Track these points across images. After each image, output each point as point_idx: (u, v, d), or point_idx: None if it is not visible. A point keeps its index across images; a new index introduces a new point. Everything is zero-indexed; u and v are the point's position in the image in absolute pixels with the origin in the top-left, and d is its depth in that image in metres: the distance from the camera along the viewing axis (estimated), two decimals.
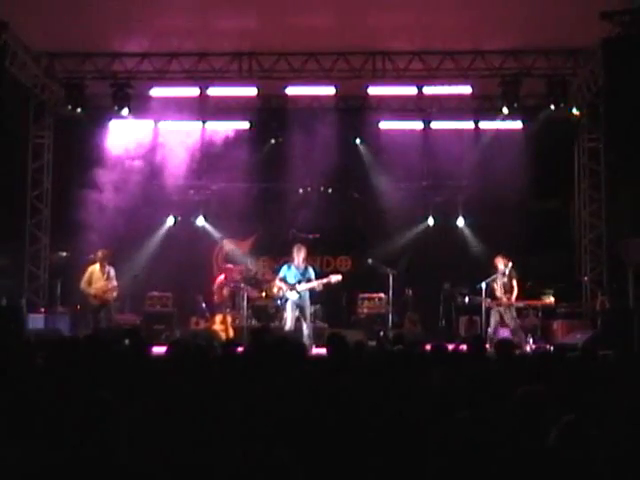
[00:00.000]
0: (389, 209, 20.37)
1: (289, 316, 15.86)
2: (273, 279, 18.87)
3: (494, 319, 16.15)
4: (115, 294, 16.34)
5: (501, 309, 16.15)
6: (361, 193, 20.59)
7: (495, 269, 16.43)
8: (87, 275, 16.16)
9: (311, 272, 16.10)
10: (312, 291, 16.32)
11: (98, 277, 16.11)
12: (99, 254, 16.26)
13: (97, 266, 16.18)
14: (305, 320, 15.91)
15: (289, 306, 15.88)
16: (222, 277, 18.89)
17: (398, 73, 17.74)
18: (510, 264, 16.31)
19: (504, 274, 16.27)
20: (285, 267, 16.23)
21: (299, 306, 15.88)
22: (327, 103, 19.69)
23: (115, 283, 16.26)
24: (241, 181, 20.39)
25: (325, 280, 16.26)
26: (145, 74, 18.00)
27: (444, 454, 4.52)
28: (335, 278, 16.39)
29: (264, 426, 4.49)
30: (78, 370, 7.24)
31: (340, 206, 20.68)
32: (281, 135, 20.21)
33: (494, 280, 16.38)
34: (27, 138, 19.41)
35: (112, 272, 16.28)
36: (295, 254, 16.07)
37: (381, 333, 16.99)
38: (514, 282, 16.25)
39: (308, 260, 16.37)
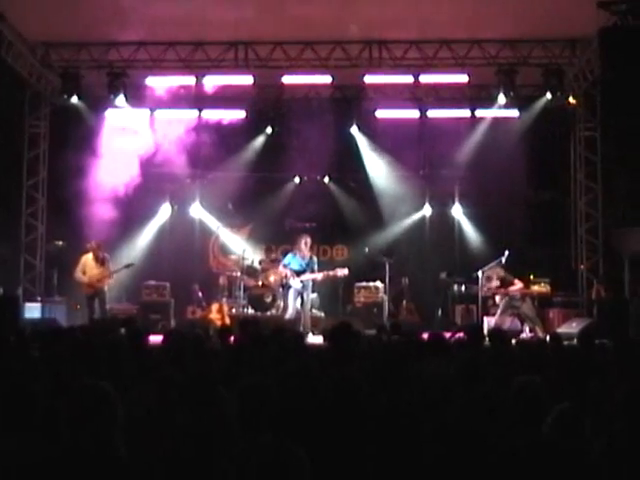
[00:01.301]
0: (385, 198, 20.40)
1: (291, 304, 15.99)
2: (269, 268, 19.01)
3: (501, 308, 16.15)
4: (110, 280, 16.42)
5: (515, 300, 16.16)
6: (357, 182, 20.57)
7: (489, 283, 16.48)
8: (80, 265, 16.27)
9: (315, 263, 16.22)
10: (313, 281, 16.43)
11: (92, 266, 16.23)
12: (92, 244, 16.37)
13: (90, 255, 16.28)
14: (304, 309, 16.00)
15: (291, 294, 16.01)
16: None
17: (394, 62, 17.72)
18: (500, 274, 16.33)
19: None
20: (290, 255, 16.40)
21: (300, 294, 15.98)
22: (323, 92, 19.67)
23: (111, 269, 16.35)
24: (237, 170, 20.39)
25: (332, 273, 16.41)
26: (141, 63, 17.97)
27: (441, 442, 4.53)
28: (342, 272, 16.53)
29: (262, 416, 4.49)
30: (74, 360, 7.25)
31: (336, 195, 20.69)
32: (277, 124, 20.19)
33: (490, 272, 16.42)
34: (23, 127, 19.39)
35: (107, 259, 16.42)
36: (302, 244, 16.15)
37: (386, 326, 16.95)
38: (515, 281, 16.24)
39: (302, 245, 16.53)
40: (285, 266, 16.23)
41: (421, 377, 6.03)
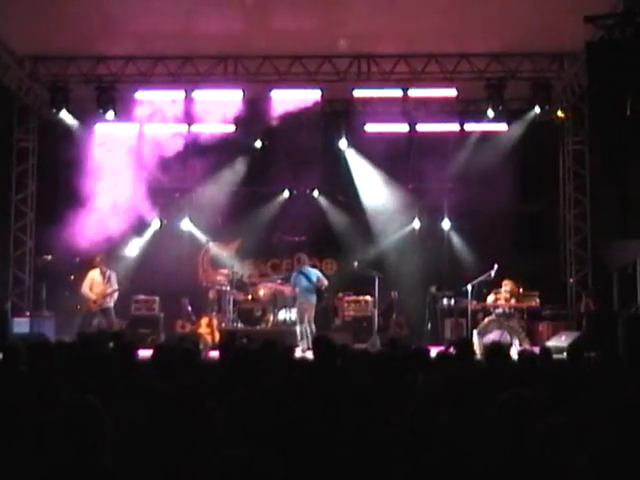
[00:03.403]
0: (375, 212, 20.43)
1: (305, 319, 16.63)
2: (259, 282, 19.07)
3: (487, 322, 16.16)
4: (115, 297, 16.49)
5: (501, 315, 16.19)
6: (347, 196, 20.61)
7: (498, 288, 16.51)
8: (88, 280, 16.37)
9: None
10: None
11: (98, 282, 16.36)
12: (97, 259, 16.48)
13: (97, 271, 16.36)
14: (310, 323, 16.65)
15: (301, 310, 16.78)
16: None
17: (383, 76, 17.75)
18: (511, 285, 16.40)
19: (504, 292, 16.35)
20: (297, 274, 17.13)
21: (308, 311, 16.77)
22: (312, 106, 19.66)
23: (116, 286, 16.46)
24: (226, 184, 20.40)
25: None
26: (130, 77, 17.95)
27: (427, 457, 4.52)
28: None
29: (250, 430, 4.48)
30: (63, 374, 7.22)
31: (325, 209, 20.72)
32: (266, 138, 20.19)
33: (484, 286, 16.45)
34: (11, 142, 19.35)
35: (113, 276, 16.57)
36: (306, 262, 17.20)
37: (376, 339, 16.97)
38: (512, 301, 16.29)
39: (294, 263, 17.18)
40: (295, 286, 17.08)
41: (408, 392, 6.03)
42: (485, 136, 19.62)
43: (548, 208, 20.57)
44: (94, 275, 16.41)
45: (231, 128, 19.72)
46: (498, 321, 16.07)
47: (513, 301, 16.25)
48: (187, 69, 17.78)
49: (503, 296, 16.24)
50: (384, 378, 6.59)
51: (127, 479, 4.12)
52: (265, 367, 7.64)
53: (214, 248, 20.84)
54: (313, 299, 16.68)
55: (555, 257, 20.28)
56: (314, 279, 16.74)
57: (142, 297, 18.97)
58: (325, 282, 16.92)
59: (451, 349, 9.59)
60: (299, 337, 16.35)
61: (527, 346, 15.40)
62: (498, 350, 8.76)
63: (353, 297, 19.32)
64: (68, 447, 3.98)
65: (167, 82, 18.08)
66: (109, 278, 16.44)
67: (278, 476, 3.01)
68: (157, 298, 18.99)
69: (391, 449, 4.76)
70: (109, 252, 18.22)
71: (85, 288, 16.37)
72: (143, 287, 19.04)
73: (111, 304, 16.47)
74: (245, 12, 15.67)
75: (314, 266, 17.95)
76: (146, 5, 15.45)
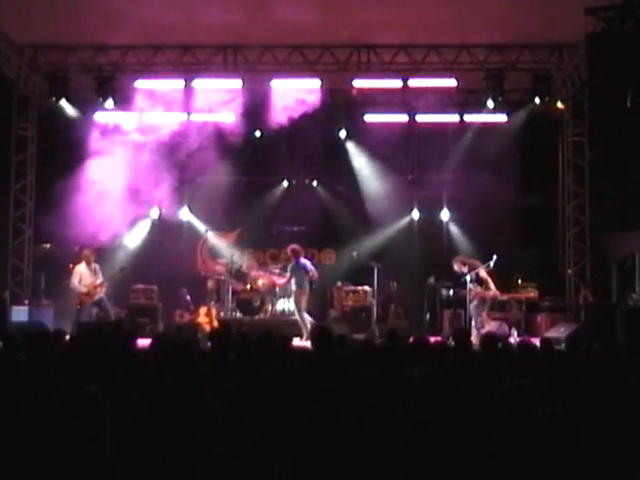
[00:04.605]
0: (374, 202, 20.43)
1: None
2: (257, 272, 19.04)
3: (474, 312, 16.22)
4: (104, 289, 16.43)
5: (475, 302, 16.27)
6: (346, 186, 20.60)
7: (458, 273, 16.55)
8: (76, 274, 16.25)
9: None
10: None
11: (86, 275, 16.24)
12: (85, 252, 16.41)
13: (83, 265, 16.29)
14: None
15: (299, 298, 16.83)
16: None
17: (383, 66, 17.76)
18: (468, 267, 16.41)
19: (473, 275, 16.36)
20: (295, 264, 17.10)
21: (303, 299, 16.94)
22: (312, 96, 19.62)
23: (102, 279, 16.37)
24: (225, 174, 20.37)
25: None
26: (130, 66, 17.96)
27: (426, 447, 4.53)
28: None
29: (248, 420, 4.48)
30: (62, 364, 7.22)
31: (325, 199, 20.71)
32: (266, 128, 20.13)
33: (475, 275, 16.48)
34: (10, 131, 19.33)
35: (98, 268, 16.46)
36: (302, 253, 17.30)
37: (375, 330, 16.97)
38: (482, 274, 16.31)
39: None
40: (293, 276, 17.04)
41: (407, 382, 6.03)
42: (485, 127, 19.60)
43: (547, 200, 20.57)
44: (81, 269, 16.34)
45: (231, 118, 19.67)
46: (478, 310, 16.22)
47: (491, 285, 16.27)
48: (187, 58, 17.78)
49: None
50: (383, 369, 6.59)
51: (127, 469, 4.12)
52: (263, 357, 7.64)
53: (213, 238, 20.83)
54: (307, 287, 16.74)
55: (554, 249, 20.29)
56: (308, 268, 16.82)
57: (140, 286, 18.94)
58: (316, 273, 16.96)
59: (450, 340, 9.62)
60: (302, 327, 16.37)
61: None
62: (493, 341, 8.78)
63: (352, 287, 19.29)
64: (68, 437, 3.98)
65: (167, 71, 18.09)
66: (95, 271, 16.42)
67: (278, 466, 3.01)
68: (156, 287, 18.96)
69: (390, 440, 4.77)
70: (107, 241, 18.23)
71: (74, 282, 16.28)
72: (142, 276, 19.03)
73: (102, 295, 16.43)
74: (245, 1, 15.65)
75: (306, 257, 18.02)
76: None
